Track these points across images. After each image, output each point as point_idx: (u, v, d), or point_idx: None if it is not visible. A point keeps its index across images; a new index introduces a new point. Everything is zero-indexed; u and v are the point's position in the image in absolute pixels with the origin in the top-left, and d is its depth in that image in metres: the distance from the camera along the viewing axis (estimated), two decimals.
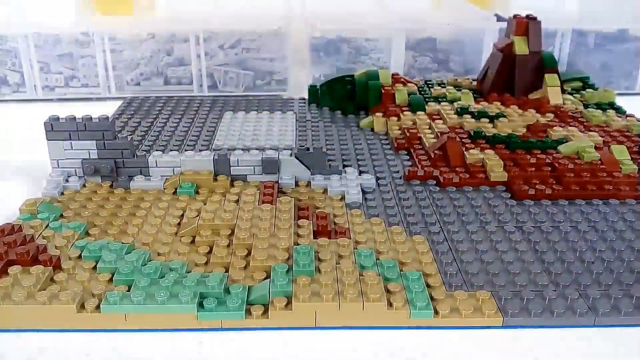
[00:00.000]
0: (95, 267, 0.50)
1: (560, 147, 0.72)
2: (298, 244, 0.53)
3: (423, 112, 0.87)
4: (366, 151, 0.78)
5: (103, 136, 0.65)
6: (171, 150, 0.76)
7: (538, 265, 0.52)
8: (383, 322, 0.45)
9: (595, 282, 0.50)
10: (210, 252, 0.53)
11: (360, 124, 0.88)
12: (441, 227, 0.58)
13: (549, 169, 0.68)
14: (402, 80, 0.95)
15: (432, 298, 0.47)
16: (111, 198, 0.63)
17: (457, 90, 0.96)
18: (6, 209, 0.61)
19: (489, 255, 0.53)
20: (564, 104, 0.89)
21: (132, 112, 0.93)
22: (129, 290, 0.46)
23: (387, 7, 1.26)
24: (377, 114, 0.88)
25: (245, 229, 0.54)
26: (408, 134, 0.80)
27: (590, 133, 0.78)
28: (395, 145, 0.79)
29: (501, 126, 0.80)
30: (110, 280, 0.48)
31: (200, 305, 0.45)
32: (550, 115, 0.85)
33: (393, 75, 0.96)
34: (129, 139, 0.67)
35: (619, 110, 0.89)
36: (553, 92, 0.89)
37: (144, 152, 0.67)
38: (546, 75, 0.90)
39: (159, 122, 0.88)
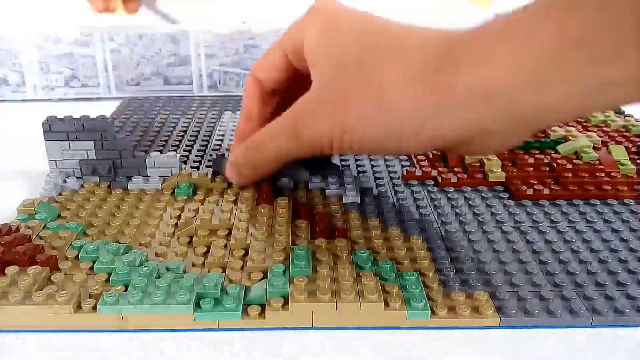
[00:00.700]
0: (92, 268, 0.50)
1: (559, 147, 0.72)
2: (295, 245, 0.53)
3: None
4: None
5: (101, 136, 0.65)
6: (169, 150, 0.76)
7: (536, 265, 0.52)
8: (380, 323, 0.45)
9: (593, 282, 0.49)
10: (207, 252, 0.53)
11: None
12: (439, 227, 0.58)
13: (548, 169, 0.68)
14: None
15: (429, 298, 0.47)
16: (109, 198, 0.63)
17: None
18: (3, 209, 0.61)
19: (486, 255, 0.53)
20: None
21: (131, 112, 0.93)
22: (125, 291, 0.46)
23: (387, 9, 1.26)
24: None
25: (243, 230, 0.54)
26: None
27: (589, 133, 0.78)
28: None
29: None
30: (107, 280, 0.48)
31: (197, 305, 0.45)
32: None
33: None
34: (127, 140, 0.67)
35: (618, 111, 0.89)
36: None
37: (142, 153, 0.67)
38: None
39: (157, 122, 0.88)
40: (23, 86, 1.04)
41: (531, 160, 0.70)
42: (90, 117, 0.65)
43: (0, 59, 1.03)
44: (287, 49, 0.57)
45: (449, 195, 0.65)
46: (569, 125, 0.81)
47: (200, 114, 0.92)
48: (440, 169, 0.70)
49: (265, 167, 0.58)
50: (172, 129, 0.86)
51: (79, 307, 0.45)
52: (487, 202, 0.63)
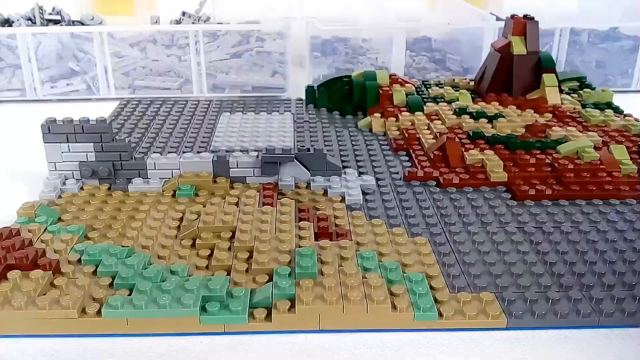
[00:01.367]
0: (95, 271, 0.49)
1: (560, 148, 0.72)
2: (300, 246, 0.53)
3: (421, 113, 0.86)
4: (365, 152, 0.78)
5: (101, 138, 0.65)
6: (169, 152, 0.76)
7: (541, 266, 0.52)
8: (387, 325, 0.45)
9: (599, 283, 0.49)
10: (211, 255, 0.52)
11: (358, 125, 0.87)
12: (442, 228, 0.58)
13: (549, 169, 0.68)
14: (400, 80, 0.95)
15: (435, 300, 0.46)
16: (109, 201, 0.62)
17: (455, 90, 0.96)
18: (3, 213, 0.61)
19: (491, 256, 0.53)
20: (562, 104, 0.89)
21: (129, 113, 0.93)
22: (130, 295, 0.46)
23: (385, 7, 1.26)
24: (375, 114, 0.88)
25: (247, 232, 0.54)
26: (407, 135, 0.80)
27: (589, 133, 0.78)
28: (394, 146, 0.79)
29: (500, 126, 0.80)
30: (111, 284, 0.48)
31: (203, 309, 0.45)
32: (549, 116, 0.85)
33: (391, 75, 0.96)
34: (126, 141, 0.66)
35: (617, 110, 0.89)
36: (551, 92, 0.89)
37: (142, 154, 0.66)
38: (544, 75, 0.90)
39: (156, 124, 0.88)
40: (23, 86, 1.04)
41: (532, 161, 0.69)
42: (90, 119, 0.65)
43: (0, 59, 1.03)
44: None
45: (451, 196, 0.65)
46: (569, 125, 0.81)
47: (199, 115, 0.92)
48: (442, 169, 0.69)
49: None
50: (171, 130, 0.85)
51: (83, 311, 0.45)
52: (490, 202, 0.63)
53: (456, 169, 0.69)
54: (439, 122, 0.83)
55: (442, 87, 0.99)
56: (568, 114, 0.86)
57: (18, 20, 1.09)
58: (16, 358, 0.43)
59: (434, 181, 0.68)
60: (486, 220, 0.59)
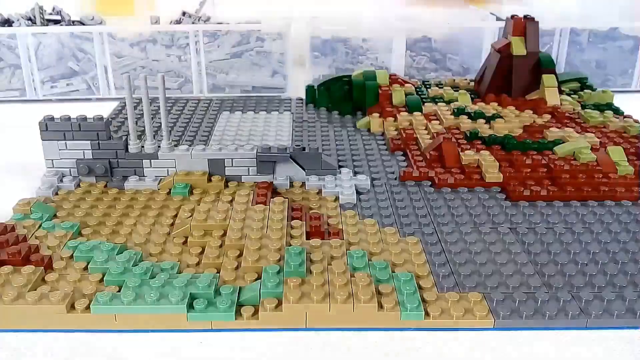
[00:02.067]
0: (86, 268, 0.50)
1: (556, 148, 0.72)
2: (290, 245, 0.53)
3: (420, 113, 0.86)
4: (362, 152, 0.78)
5: (97, 136, 0.65)
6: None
7: (531, 267, 0.52)
8: (373, 324, 0.45)
9: (589, 284, 0.49)
10: (202, 253, 0.53)
11: (357, 125, 0.88)
12: (435, 228, 0.58)
13: (545, 170, 0.68)
14: (400, 80, 0.95)
15: (423, 299, 0.46)
16: (105, 198, 0.63)
17: (455, 91, 0.96)
18: (0, 209, 0.61)
19: (482, 256, 0.53)
20: (561, 104, 0.88)
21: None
22: (119, 291, 0.46)
23: (385, 7, 1.26)
24: (373, 114, 0.88)
25: (238, 230, 0.54)
26: (404, 135, 0.80)
27: (587, 134, 0.77)
28: (392, 146, 0.79)
29: (498, 127, 0.80)
30: (101, 280, 0.48)
31: (191, 306, 0.45)
32: (548, 116, 0.84)
33: (390, 75, 0.96)
34: (123, 139, 0.66)
35: (617, 111, 0.88)
36: (550, 93, 0.89)
37: (137, 147, 0.66)
38: (544, 76, 0.90)
39: (155, 123, 0.88)
40: (23, 86, 1.04)
41: (528, 162, 0.69)
42: (87, 117, 0.65)
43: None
44: None
45: (445, 195, 0.65)
46: (567, 126, 0.81)
47: (199, 114, 0.92)
48: (437, 169, 0.69)
49: None
50: (170, 129, 0.86)
51: (72, 307, 0.45)
52: (484, 203, 0.63)
53: (452, 169, 0.69)
54: (437, 122, 0.83)
55: (442, 88, 0.98)
56: (567, 114, 0.86)
57: (18, 20, 1.10)
58: (5, 352, 0.43)
59: (429, 181, 0.68)
60: (479, 221, 0.59)
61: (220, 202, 0.61)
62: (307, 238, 0.55)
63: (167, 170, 0.67)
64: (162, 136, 0.81)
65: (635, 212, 0.61)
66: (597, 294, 0.48)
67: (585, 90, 0.96)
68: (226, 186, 0.66)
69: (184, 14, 1.16)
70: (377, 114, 0.87)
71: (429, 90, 0.97)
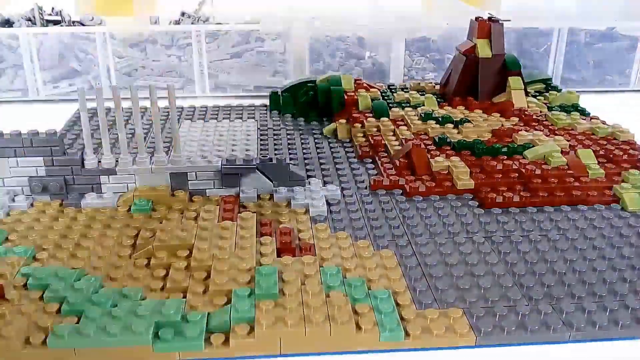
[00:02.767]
0: (42, 297, 0.46)
1: (526, 153, 0.71)
2: (261, 264, 0.50)
3: (387, 118, 0.85)
4: (330, 160, 0.76)
5: (51, 152, 0.62)
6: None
7: (509, 278, 0.50)
8: (352, 347, 0.43)
9: (569, 295, 0.48)
10: (167, 275, 0.50)
11: (323, 131, 0.85)
12: (409, 239, 0.56)
13: (516, 175, 0.67)
14: (365, 85, 0.93)
15: (402, 318, 0.44)
16: (61, 218, 0.59)
17: (421, 94, 0.95)
18: None
19: (458, 269, 0.51)
20: (528, 107, 0.88)
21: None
22: (78, 322, 0.43)
23: (384, 7, 1.25)
24: (340, 120, 0.86)
25: (204, 249, 0.51)
26: (372, 141, 0.78)
27: (556, 137, 0.77)
28: (360, 153, 0.77)
29: (466, 132, 0.79)
30: (59, 311, 0.45)
31: (156, 336, 0.42)
32: (515, 119, 0.84)
33: (356, 80, 0.94)
34: (79, 154, 0.63)
35: (583, 112, 0.88)
36: (517, 96, 0.88)
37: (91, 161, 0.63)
38: (510, 78, 0.89)
39: (112, 134, 0.84)
40: (24, 86, 1.02)
41: (499, 167, 0.68)
42: (39, 131, 0.62)
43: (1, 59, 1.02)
44: None
45: (417, 204, 0.63)
46: (535, 129, 0.80)
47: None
48: (408, 177, 0.68)
49: None
50: (128, 140, 0.82)
51: (27, 341, 0.42)
52: (457, 211, 0.62)
53: (422, 177, 0.68)
54: (405, 127, 0.81)
55: (408, 92, 0.97)
56: (534, 117, 0.85)
57: (19, 20, 1.09)
58: None
59: (400, 190, 0.66)
60: (453, 231, 0.58)
61: (184, 219, 0.58)
62: (278, 255, 0.52)
63: (127, 186, 0.63)
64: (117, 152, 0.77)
65: (609, 215, 0.61)
66: (578, 305, 0.47)
67: (550, 92, 0.96)
68: (190, 201, 0.63)
69: (183, 14, 1.15)
70: (344, 120, 0.85)
71: (394, 94, 0.96)
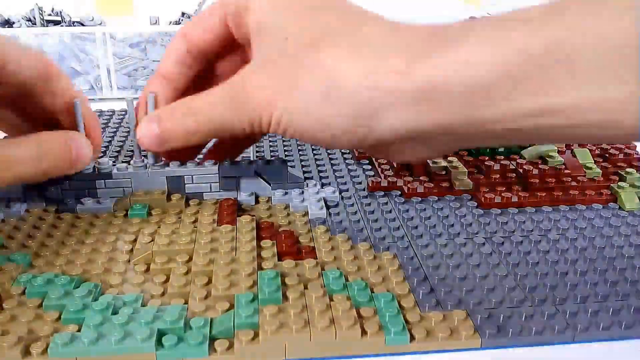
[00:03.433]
0: (41, 305, 0.46)
1: (524, 152, 0.71)
2: (262, 268, 0.50)
3: None
4: (326, 161, 0.75)
5: None
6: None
7: (511, 279, 0.50)
8: (357, 351, 0.43)
9: (572, 295, 0.48)
10: (167, 281, 0.49)
11: None
12: (409, 241, 0.56)
13: (514, 175, 0.67)
14: None
15: (406, 321, 0.44)
16: (57, 224, 0.58)
17: None
18: None
19: (461, 270, 0.51)
20: None
21: None
22: (79, 330, 0.42)
23: (384, 7, 1.25)
24: None
25: (204, 254, 0.51)
26: None
27: None
28: (356, 154, 0.76)
29: None
30: (59, 319, 0.44)
31: (159, 342, 0.41)
32: None
33: None
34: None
35: None
36: None
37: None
38: None
39: (107, 137, 0.83)
40: None
41: (497, 167, 0.68)
42: None
43: None
44: (228, 11, 0.54)
45: (416, 206, 0.63)
46: None
47: None
48: (405, 178, 0.68)
49: (196, 136, 0.53)
50: (121, 142, 0.81)
51: (27, 351, 0.41)
52: (456, 212, 0.61)
53: (420, 177, 0.68)
54: None
55: None
56: None
57: (19, 21, 1.08)
58: None
59: (398, 190, 0.66)
60: (453, 231, 0.58)
61: (182, 224, 0.57)
62: (279, 259, 0.52)
63: (123, 190, 0.63)
64: (113, 154, 0.77)
65: (607, 215, 0.61)
66: (582, 305, 0.47)
67: None
68: (187, 205, 0.62)
69: (183, 14, 1.14)
70: None
71: None
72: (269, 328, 0.42)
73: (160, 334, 0.42)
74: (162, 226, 0.57)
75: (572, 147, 0.73)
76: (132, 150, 0.78)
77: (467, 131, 0.46)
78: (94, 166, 0.62)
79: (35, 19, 1.12)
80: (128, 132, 0.85)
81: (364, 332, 0.43)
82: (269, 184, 0.64)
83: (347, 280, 0.49)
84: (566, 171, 0.67)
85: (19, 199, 0.61)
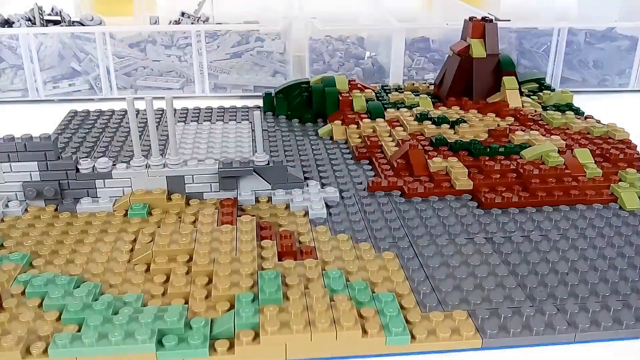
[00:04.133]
0: (41, 305, 0.45)
1: (524, 152, 0.71)
2: (263, 268, 0.50)
3: (382, 119, 0.84)
4: (327, 162, 0.75)
5: (45, 156, 0.61)
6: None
7: (512, 280, 0.50)
8: (358, 352, 0.43)
9: (572, 295, 0.48)
10: (167, 281, 0.49)
11: (319, 133, 0.85)
12: (410, 241, 0.56)
13: (514, 175, 0.67)
14: (359, 86, 0.93)
15: (407, 321, 0.44)
16: (56, 224, 0.58)
17: (415, 95, 0.94)
18: None
19: (461, 270, 0.51)
20: (522, 106, 0.88)
21: (77, 126, 0.88)
22: (79, 330, 0.42)
23: (384, 7, 1.25)
24: (335, 122, 0.85)
25: (205, 254, 0.51)
26: (369, 142, 0.78)
27: (552, 136, 0.77)
28: (356, 155, 0.76)
29: (462, 132, 0.78)
30: (59, 319, 0.44)
31: (160, 343, 0.41)
32: (511, 119, 0.84)
33: (350, 81, 0.93)
34: (73, 159, 0.62)
35: (577, 112, 0.89)
36: (512, 95, 0.88)
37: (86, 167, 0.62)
38: (504, 78, 0.89)
39: (105, 137, 0.83)
40: (24, 86, 1.01)
41: (497, 167, 0.68)
42: (32, 136, 0.61)
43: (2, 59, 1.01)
44: None
45: (416, 206, 0.63)
46: (532, 129, 0.80)
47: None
48: (406, 178, 0.68)
49: None
50: (121, 143, 0.81)
51: (27, 351, 0.41)
52: (457, 212, 0.61)
53: (420, 178, 0.68)
54: (401, 128, 0.81)
55: (402, 92, 0.97)
56: (530, 117, 0.85)
57: (18, 21, 1.09)
58: None
59: (398, 191, 0.66)
60: (454, 232, 0.58)
61: (183, 224, 0.57)
62: (279, 259, 0.52)
63: (123, 190, 0.62)
64: (113, 155, 0.77)
65: (607, 215, 0.61)
66: (582, 305, 0.47)
67: (544, 91, 0.96)
68: (187, 205, 0.62)
69: (182, 14, 1.15)
70: (339, 122, 0.85)
71: (389, 95, 0.96)
72: (270, 328, 0.42)
73: (161, 334, 0.42)
74: (162, 226, 0.56)
75: (573, 148, 0.73)
76: (132, 151, 0.77)
77: None
78: (94, 166, 0.62)
79: (35, 18, 1.12)
80: (128, 132, 0.85)
81: (364, 333, 0.43)
82: (269, 184, 0.64)
83: (347, 280, 0.49)
84: (566, 171, 0.67)
85: (19, 199, 0.61)
